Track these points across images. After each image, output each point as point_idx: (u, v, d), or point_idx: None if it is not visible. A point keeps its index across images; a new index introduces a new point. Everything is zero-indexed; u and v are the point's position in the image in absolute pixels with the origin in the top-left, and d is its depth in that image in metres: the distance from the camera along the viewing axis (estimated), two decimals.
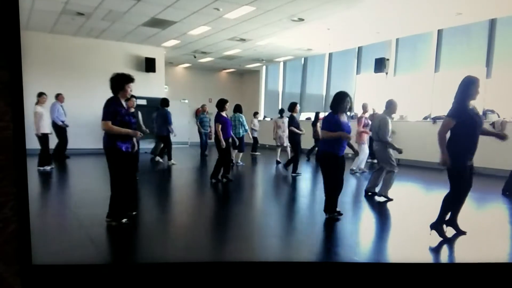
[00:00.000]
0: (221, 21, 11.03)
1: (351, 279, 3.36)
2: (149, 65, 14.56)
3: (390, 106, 6.68)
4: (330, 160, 5.20)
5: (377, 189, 6.79)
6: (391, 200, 6.51)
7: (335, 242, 4.80)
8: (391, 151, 6.56)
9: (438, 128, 4.42)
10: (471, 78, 4.36)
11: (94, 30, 12.60)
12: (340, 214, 5.35)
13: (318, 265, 3.66)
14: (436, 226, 4.52)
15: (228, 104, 8.04)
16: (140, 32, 12.59)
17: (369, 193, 6.87)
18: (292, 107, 9.38)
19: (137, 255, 4.21)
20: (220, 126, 7.82)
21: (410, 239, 4.74)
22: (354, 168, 9.66)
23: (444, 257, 4.37)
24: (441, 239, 4.47)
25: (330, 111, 5.30)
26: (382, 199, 6.57)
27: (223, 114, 7.98)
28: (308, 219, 5.88)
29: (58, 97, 10.59)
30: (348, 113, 5.47)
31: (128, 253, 4.21)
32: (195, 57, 16.47)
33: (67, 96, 11.32)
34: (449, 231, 4.55)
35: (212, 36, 12.89)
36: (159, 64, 14.88)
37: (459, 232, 4.54)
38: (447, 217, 4.56)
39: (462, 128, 4.27)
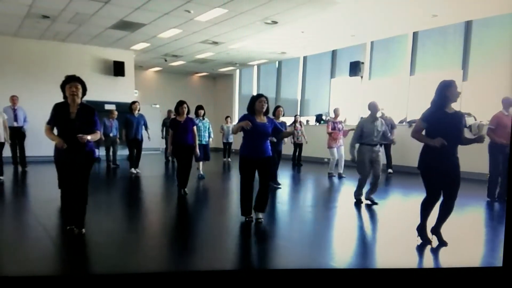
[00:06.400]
0: (192, 23, 10.78)
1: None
2: (118, 68, 14.20)
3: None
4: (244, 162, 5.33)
5: None
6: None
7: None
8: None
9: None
10: (446, 81, 4.30)
11: (60, 34, 12.24)
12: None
13: (306, 272, 3.52)
14: (419, 230, 4.59)
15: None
16: (108, 35, 12.24)
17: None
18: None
19: (105, 265, 3.97)
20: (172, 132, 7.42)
21: (391, 245, 4.73)
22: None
23: (424, 262, 4.37)
24: (424, 243, 4.51)
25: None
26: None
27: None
28: (287, 225, 5.82)
29: (11, 98, 10.20)
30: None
31: (97, 264, 4.08)
32: (166, 60, 16.17)
33: (33, 101, 10.99)
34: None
35: (183, 39, 12.64)
36: (128, 68, 14.53)
37: (441, 243, 4.46)
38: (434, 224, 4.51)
39: (434, 132, 4.21)
